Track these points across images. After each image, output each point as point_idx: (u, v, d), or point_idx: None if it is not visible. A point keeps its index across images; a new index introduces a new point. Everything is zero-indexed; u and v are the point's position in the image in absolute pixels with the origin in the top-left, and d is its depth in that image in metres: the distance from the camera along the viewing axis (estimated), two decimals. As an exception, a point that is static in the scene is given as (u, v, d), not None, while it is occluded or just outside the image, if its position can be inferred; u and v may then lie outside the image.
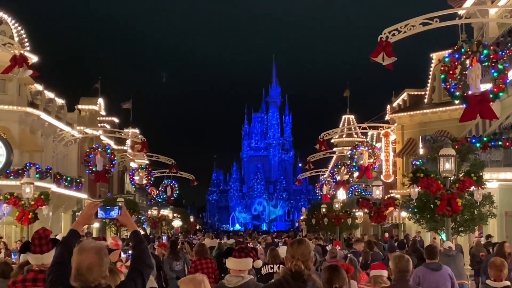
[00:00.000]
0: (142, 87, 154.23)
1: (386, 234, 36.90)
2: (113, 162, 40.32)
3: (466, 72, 16.80)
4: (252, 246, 22.77)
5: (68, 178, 40.16)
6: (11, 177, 32.28)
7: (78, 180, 42.20)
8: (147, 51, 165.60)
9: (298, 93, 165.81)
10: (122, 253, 8.74)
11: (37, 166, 33.50)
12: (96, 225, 43.91)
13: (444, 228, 19.10)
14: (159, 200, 55.92)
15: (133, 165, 58.21)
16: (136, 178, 49.07)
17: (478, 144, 24.27)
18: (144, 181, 49.26)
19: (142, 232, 35.87)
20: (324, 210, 46.90)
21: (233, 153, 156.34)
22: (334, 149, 61.18)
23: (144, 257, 4.65)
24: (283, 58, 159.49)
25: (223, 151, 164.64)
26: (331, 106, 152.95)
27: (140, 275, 4.56)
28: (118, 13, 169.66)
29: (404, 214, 32.99)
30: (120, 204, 26.38)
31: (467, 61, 16.88)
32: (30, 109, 36.85)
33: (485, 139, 25.05)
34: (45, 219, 28.68)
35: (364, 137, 53.76)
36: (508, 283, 8.23)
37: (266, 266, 12.02)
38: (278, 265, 11.59)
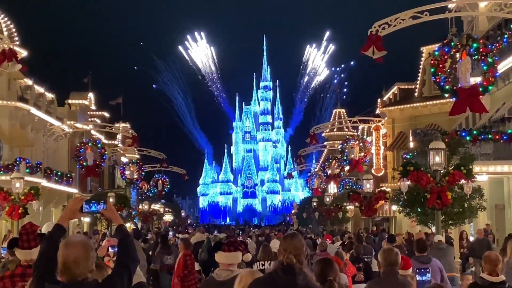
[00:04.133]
0: (133, 81, 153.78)
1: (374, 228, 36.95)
2: (104, 157, 40.13)
3: (456, 65, 16.81)
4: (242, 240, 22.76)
5: (59, 173, 40.04)
6: (1, 172, 32.12)
7: (68, 175, 42.09)
8: (137, 43, 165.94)
9: (290, 88, 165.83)
10: (109, 248, 8.71)
11: (27, 161, 33.37)
12: (87, 219, 43.83)
13: (434, 221, 19.18)
14: (150, 195, 55.83)
15: (124, 159, 58.08)
16: (127, 172, 48.92)
17: (468, 138, 24.32)
18: (135, 176, 49.12)
19: (132, 227, 35.85)
20: (315, 204, 47.04)
21: (224, 146, 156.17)
22: (325, 143, 61.30)
23: (130, 251, 4.64)
24: (274, 51, 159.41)
25: (214, 144, 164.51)
26: (323, 100, 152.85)
27: (126, 269, 4.55)
28: (109, 7, 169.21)
29: (394, 207, 33.07)
30: (111, 200, 26.24)
31: (457, 55, 16.88)
32: (20, 104, 36.70)
33: (475, 132, 25.11)
34: (35, 214, 28.60)
35: (355, 131, 53.83)
36: (503, 277, 8.22)
37: (258, 263, 11.91)
38: (269, 262, 11.49)
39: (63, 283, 4.36)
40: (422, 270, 10.34)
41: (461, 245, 24.38)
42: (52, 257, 4.44)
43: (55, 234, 4.67)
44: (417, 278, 9.68)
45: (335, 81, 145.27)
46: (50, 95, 44.20)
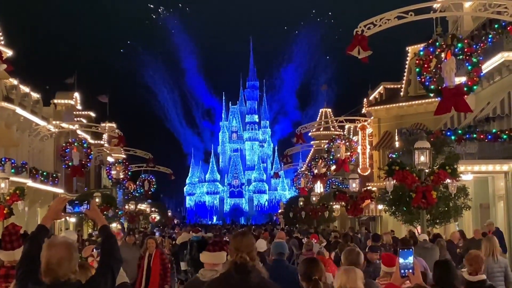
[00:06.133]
0: (120, 81, 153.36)
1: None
2: (90, 157, 39.99)
3: (441, 65, 16.86)
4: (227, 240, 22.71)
5: (44, 173, 39.88)
6: (-14, 172, 31.97)
7: (54, 175, 41.94)
8: (124, 42, 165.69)
9: (276, 87, 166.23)
10: (93, 249, 8.71)
11: (12, 161, 33.23)
12: (72, 220, 43.67)
13: (419, 220, 19.26)
14: (137, 195, 55.71)
15: (110, 159, 57.91)
16: (113, 172, 48.82)
17: (453, 137, 24.43)
18: (121, 176, 49.03)
19: (119, 227, 35.75)
20: (301, 203, 47.09)
21: (211, 146, 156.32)
22: (312, 142, 61.39)
23: (114, 251, 4.64)
24: (260, 50, 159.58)
25: (201, 143, 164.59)
26: (310, 98, 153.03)
27: (110, 269, 4.55)
28: (96, 5, 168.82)
29: (380, 206, 33.18)
30: (97, 200, 26.12)
31: (442, 55, 16.92)
32: (5, 104, 36.48)
33: (460, 131, 25.23)
34: (21, 214, 28.48)
35: (341, 130, 53.95)
36: (484, 276, 8.26)
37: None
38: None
39: (46, 283, 4.36)
40: None
41: (456, 246, 24.27)
42: (36, 258, 4.44)
43: (38, 235, 4.67)
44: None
45: (322, 80, 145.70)
46: (35, 95, 43.96)
